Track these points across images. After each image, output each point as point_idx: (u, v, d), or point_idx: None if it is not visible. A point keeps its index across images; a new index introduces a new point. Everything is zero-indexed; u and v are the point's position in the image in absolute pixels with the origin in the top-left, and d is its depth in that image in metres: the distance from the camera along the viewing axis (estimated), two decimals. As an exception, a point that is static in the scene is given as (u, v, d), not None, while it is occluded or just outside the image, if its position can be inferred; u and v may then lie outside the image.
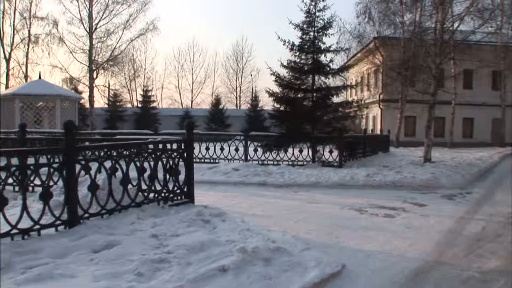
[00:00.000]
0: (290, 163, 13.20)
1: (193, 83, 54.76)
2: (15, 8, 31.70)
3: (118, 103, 40.67)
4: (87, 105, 32.50)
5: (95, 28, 30.16)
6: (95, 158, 5.16)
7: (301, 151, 13.43)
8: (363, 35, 24.86)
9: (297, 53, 13.74)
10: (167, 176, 5.91)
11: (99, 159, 5.07)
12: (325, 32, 13.72)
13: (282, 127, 14.08)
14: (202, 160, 13.73)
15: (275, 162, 13.29)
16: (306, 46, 13.73)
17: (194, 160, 13.86)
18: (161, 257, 3.67)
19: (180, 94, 54.78)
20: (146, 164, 5.58)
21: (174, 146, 6.15)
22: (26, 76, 31.45)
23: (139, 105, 41.13)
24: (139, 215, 5.08)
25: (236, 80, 54.21)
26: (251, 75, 53.91)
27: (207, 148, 13.88)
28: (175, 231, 4.45)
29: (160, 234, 4.34)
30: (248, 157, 13.65)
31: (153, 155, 5.71)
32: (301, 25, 13.69)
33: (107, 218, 4.98)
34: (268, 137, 13.98)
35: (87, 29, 29.86)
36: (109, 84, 39.39)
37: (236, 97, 53.97)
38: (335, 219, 6.36)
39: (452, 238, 5.37)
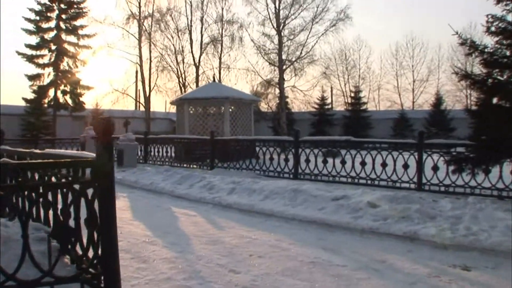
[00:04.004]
0: (497, 193, 7.79)
1: (414, 81, 47.96)
2: (202, 14, 32.97)
3: (326, 106, 38.58)
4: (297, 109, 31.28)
5: (283, 26, 28.49)
6: None
7: (516, 172, 7.80)
8: None
9: (510, 4, 8.03)
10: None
11: None
12: None
13: (484, 131, 8.51)
14: (355, 180, 9.60)
15: (469, 190, 8.08)
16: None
17: (321, 178, 9.73)
18: None
19: (399, 95, 48.75)
20: None
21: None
22: (219, 81, 32.00)
23: (349, 108, 38.14)
24: None
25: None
26: None
27: (363, 163, 9.66)
28: None
29: None
30: (424, 180, 8.77)
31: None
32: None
33: None
34: (458, 148, 8.71)
35: (275, 27, 28.43)
36: (324, 89, 37.81)
37: (466, 96, 44.49)
38: None
39: None
